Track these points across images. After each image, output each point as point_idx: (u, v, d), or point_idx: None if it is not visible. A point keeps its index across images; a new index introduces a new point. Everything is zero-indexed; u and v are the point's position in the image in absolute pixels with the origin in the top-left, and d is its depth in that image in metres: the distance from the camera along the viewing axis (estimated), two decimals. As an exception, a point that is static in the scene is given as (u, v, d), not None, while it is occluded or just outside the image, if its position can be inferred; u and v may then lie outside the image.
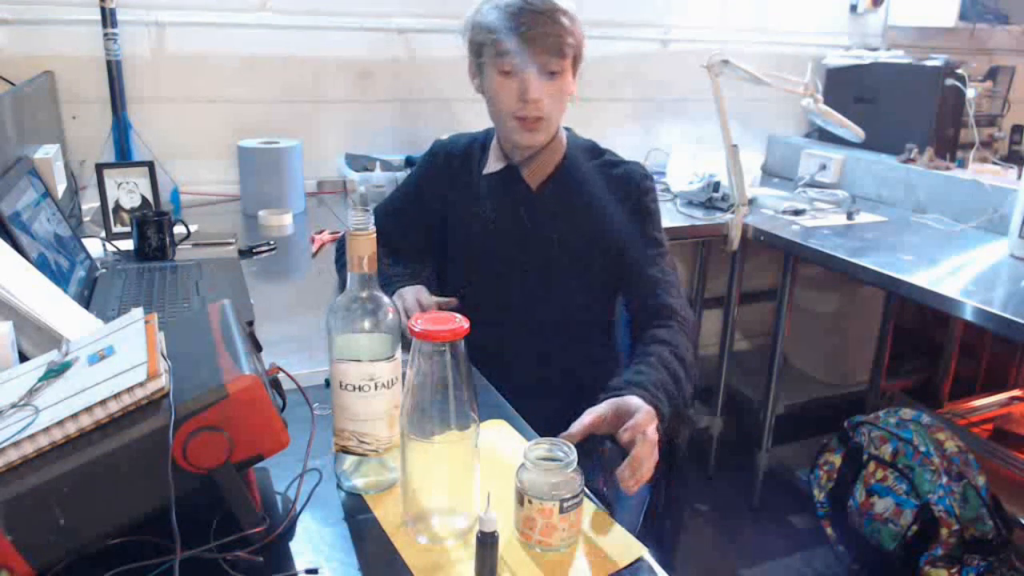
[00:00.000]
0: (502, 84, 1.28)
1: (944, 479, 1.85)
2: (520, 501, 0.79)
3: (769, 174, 2.78)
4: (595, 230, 1.35)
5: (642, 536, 0.82)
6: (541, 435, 0.91)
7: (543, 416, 1.00)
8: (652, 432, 0.90)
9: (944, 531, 1.82)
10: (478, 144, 1.43)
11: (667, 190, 2.40)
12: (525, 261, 1.37)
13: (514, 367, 1.22)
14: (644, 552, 0.80)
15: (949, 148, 2.53)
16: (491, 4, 1.28)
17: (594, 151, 1.41)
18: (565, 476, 0.79)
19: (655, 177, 2.47)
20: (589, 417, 0.92)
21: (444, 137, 1.51)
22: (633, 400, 0.95)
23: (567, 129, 1.42)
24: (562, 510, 0.77)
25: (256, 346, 0.84)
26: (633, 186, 1.36)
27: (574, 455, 0.81)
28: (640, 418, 0.91)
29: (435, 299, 1.26)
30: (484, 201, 1.39)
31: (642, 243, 1.34)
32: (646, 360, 1.13)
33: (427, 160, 1.49)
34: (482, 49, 1.30)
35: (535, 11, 1.24)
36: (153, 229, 1.58)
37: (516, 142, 1.34)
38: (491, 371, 1.15)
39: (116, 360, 0.73)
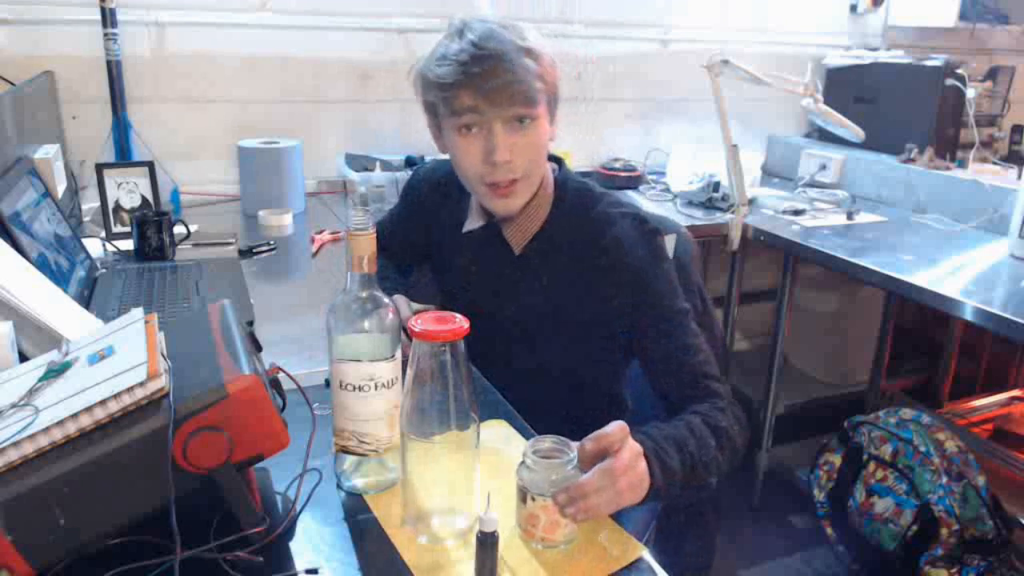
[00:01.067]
0: (463, 146, 1.09)
1: (944, 479, 1.85)
2: (523, 499, 0.79)
3: (769, 174, 2.77)
4: (589, 300, 1.14)
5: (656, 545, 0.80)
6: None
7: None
8: (624, 457, 0.80)
9: (944, 531, 1.82)
10: (456, 182, 1.23)
11: (667, 190, 2.41)
12: (511, 328, 1.21)
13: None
14: (644, 551, 0.80)
15: (949, 148, 2.53)
16: (437, 54, 1.07)
17: (587, 199, 1.18)
18: (567, 473, 0.79)
19: (655, 177, 2.47)
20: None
21: (426, 164, 1.35)
22: (611, 424, 0.82)
23: (558, 162, 1.24)
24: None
25: (256, 346, 0.84)
26: (632, 252, 1.11)
27: (575, 451, 0.81)
28: (609, 429, 0.81)
29: (416, 306, 1.13)
30: (465, 257, 1.24)
31: (654, 321, 1.10)
32: (670, 421, 0.98)
33: (408, 194, 1.35)
34: (436, 108, 1.10)
35: (489, 56, 1.03)
36: (153, 229, 1.58)
37: (491, 209, 1.16)
38: None
39: (116, 360, 0.73)
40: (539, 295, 1.18)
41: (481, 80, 1.03)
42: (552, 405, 1.20)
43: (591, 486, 0.77)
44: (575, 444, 0.82)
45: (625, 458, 0.80)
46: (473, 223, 1.23)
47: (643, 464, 0.83)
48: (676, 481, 0.89)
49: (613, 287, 1.12)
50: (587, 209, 1.17)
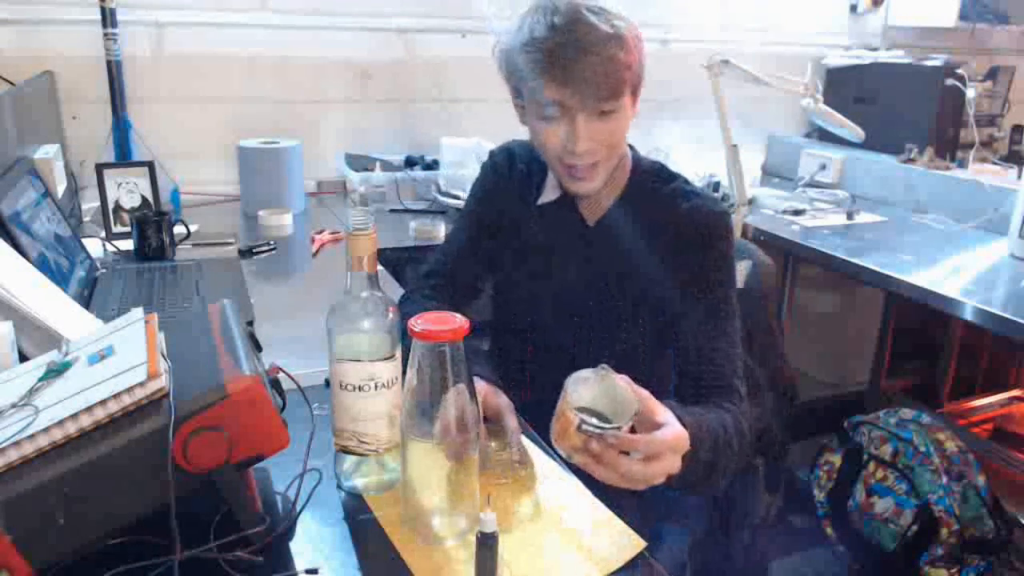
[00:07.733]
0: (544, 130, 1.08)
1: (944, 479, 1.85)
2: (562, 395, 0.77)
3: (769, 174, 2.78)
4: (654, 274, 1.14)
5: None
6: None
7: None
8: (670, 436, 0.78)
9: (944, 531, 1.82)
10: (536, 161, 1.23)
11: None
12: (577, 302, 1.19)
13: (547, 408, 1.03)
14: (644, 547, 0.80)
15: (949, 148, 2.53)
16: (524, 33, 1.04)
17: (662, 176, 1.20)
18: (613, 402, 0.77)
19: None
20: None
21: (502, 145, 1.31)
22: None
23: (629, 147, 1.24)
24: (580, 428, 0.74)
25: (256, 346, 0.84)
26: (705, 227, 1.11)
27: (637, 406, 0.77)
28: (667, 409, 0.81)
29: (514, 423, 0.96)
30: (537, 232, 1.21)
31: (707, 303, 1.10)
32: (703, 408, 0.96)
33: (490, 169, 1.29)
34: (519, 91, 1.10)
35: (578, 47, 1.00)
36: (153, 229, 1.58)
37: (569, 190, 1.16)
38: (524, 405, 1.02)
39: (116, 360, 0.73)
40: (608, 266, 1.18)
41: (567, 74, 1.01)
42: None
43: (633, 444, 0.75)
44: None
45: (669, 438, 0.78)
46: (548, 196, 1.22)
47: (678, 461, 0.80)
48: (696, 474, 0.87)
49: (679, 259, 1.12)
50: (662, 183, 1.19)
